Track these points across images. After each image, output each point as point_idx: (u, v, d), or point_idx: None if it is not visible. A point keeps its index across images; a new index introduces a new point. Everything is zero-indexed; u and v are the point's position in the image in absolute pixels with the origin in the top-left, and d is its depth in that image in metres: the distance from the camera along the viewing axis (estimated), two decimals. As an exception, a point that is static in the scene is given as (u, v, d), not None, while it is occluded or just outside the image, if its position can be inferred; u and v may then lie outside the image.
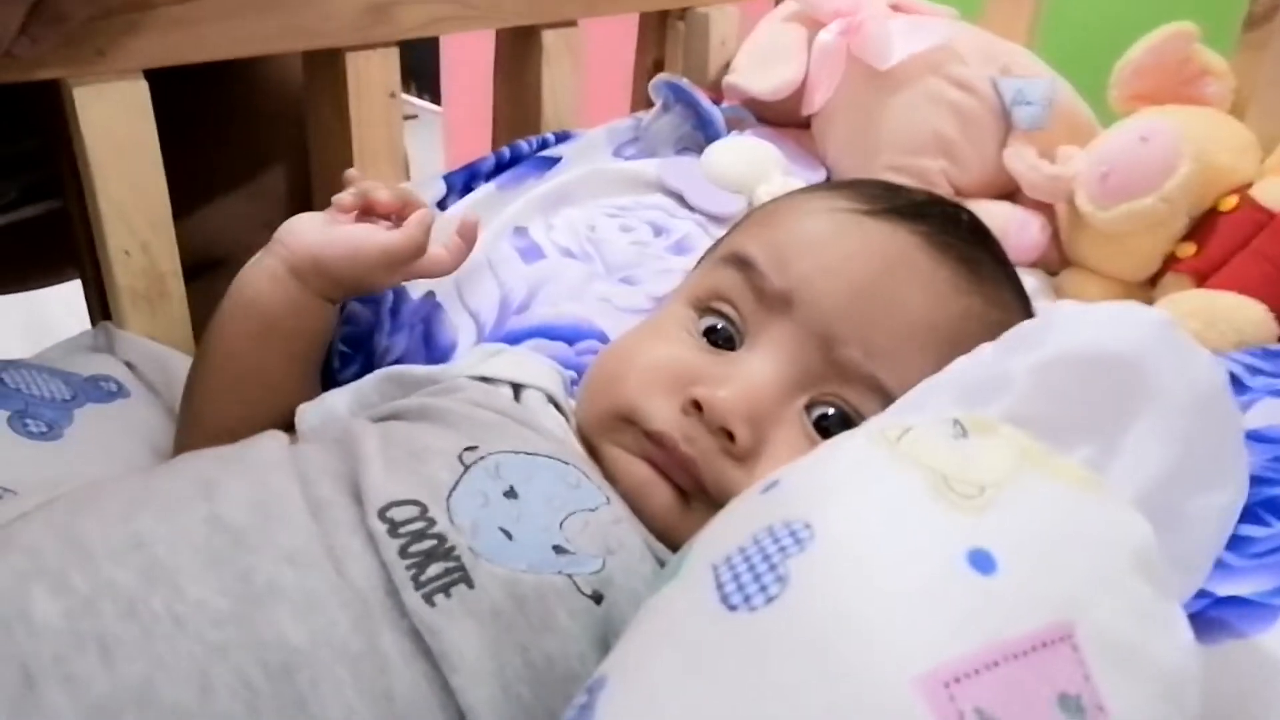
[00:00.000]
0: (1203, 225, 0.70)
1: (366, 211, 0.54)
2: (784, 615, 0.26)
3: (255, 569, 0.35)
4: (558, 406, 0.48)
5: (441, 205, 0.71)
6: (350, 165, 0.68)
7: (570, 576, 0.37)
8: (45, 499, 0.40)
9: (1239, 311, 0.64)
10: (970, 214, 0.51)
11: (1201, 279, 0.69)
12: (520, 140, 0.77)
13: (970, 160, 0.79)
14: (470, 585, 0.35)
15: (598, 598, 0.37)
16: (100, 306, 0.63)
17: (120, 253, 0.59)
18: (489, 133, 0.86)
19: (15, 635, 0.32)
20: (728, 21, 0.91)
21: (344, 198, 0.53)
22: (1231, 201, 0.69)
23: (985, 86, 0.79)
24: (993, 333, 0.44)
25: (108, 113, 0.57)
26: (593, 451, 0.45)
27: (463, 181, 0.73)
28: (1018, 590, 0.26)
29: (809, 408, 0.43)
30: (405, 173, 0.74)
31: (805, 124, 0.85)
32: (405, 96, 2.49)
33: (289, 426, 0.50)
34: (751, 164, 0.77)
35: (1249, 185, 0.69)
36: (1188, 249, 0.70)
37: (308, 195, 0.74)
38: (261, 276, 0.52)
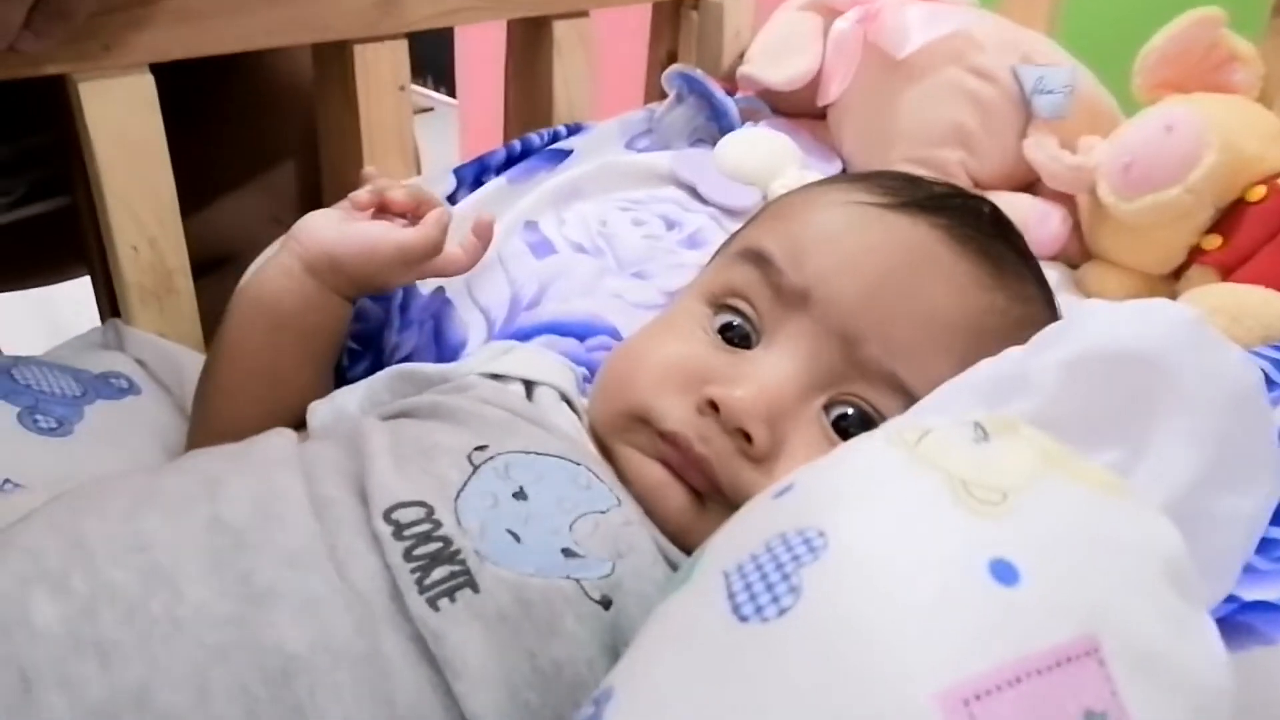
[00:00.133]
0: (1229, 216, 0.68)
1: (382, 210, 0.54)
2: (797, 627, 0.25)
3: (255, 571, 0.34)
4: (570, 404, 0.47)
5: (452, 199, 0.71)
6: (360, 159, 0.68)
7: (578, 581, 0.36)
8: (53, 495, 0.39)
9: (1267, 306, 0.63)
10: (992, 206, 0.50)
11: (1227, 272, 0.67)
12: (531, 133, 0.76)
13: (989, 151, 0.78)
14: (475, 589, 0.35)
15: (606, 603, 0.36)
16: (109, 303, 0.63)
17: (128, 249, 0.59)
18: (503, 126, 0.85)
19: (15, 639, 0.32)
20: (742, 11, 0.90)
21: (360, 195, 0.53)
22: (1260, 192, 0.67)
23: (1005, 75, 0.78)
24: (1016, 328, 0.43)
25: (114, 108, 0.56)
26: (606, 452, 0.44)
27: (473, 175, 0.73)
28: (1041, 602, 0.25)
29: (828, 408, 0.42)
30: (416, 166, 0.74)
31: (821, 115, 0.84)
32: (420, 89, 2.50)
33: (301, 425, 0.50)
34: (766, 156, 0.76)
35: (1278, 175, 0.68)
36: (1213, 241, 0.69)
37: (318, 190, 0.74)
38: (277, 273, 0.52)
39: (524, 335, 0.60)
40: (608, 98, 0.84)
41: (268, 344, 0.52)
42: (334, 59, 0.67)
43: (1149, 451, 0.29)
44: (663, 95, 0.83)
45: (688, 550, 0.38)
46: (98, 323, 0.64)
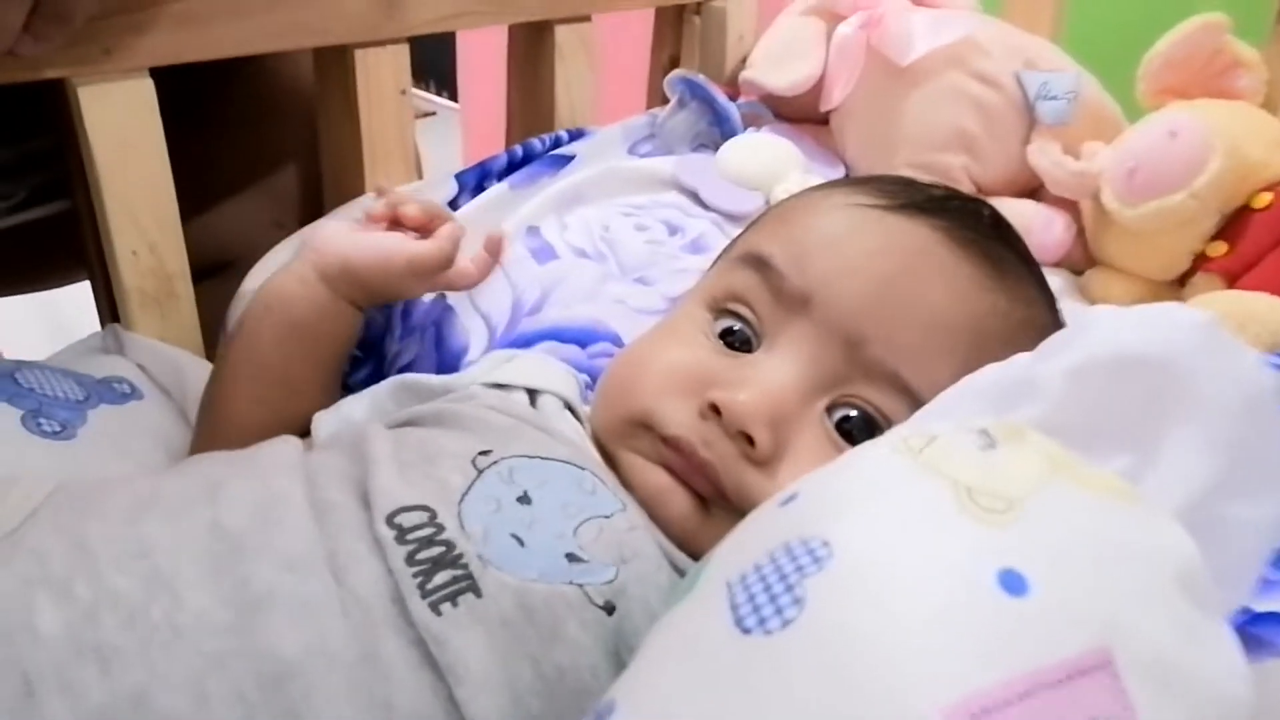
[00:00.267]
0: (1234, 223, 0.68)
1: (395, 224, 0.55)
2: (800, 640, 0.25)
3: (253, 576, 0.34)
4: (574, 412, 0.47)
5: (453, 204, 0.71)
6: (361, 164, 0.68)
7: (582, 586, 0.36)
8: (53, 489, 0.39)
9: (1273, 312, 0.63)
10: (991, 208, 0.50)
11: (1233, 279, 0.67)
12: (533, 138, 0.76)
13: (993, 156, 0.78)
14: (478, 594, 0.35)
15: (610, 608, 0.36)
16: (109, 308, 0.63)
17: (128, 253, 0.59)
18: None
19: (18, 644, 0.32)
20: (745, 16, 0.90)
21: (375, 207, 0.54)
22: (1265, 199, 0.67)
23: (1008, 81, 0.77)
24: (1018, 330, 0.43)
25: (114, 112, 0.56)
26: (609, 458, 0.44)
27: (474, 180, 0.72)
28: (1051, 613, 0.24)
29: (830, 410, 0.42)
30: (417, 171, 0.74)
31: (824, 120, 0.84)
32: (424, 94, 2.50)
33: (307, 434, 0.50)
34: (769, 161, 0.76)
35: (1283, 181, 0.67)
36: (1219, 248, 0.68)
37: (319, 195, 0.73)
38: (290, 279, 0.53)
39: (526, 341, 0.60)
40: (610, 103, 0.84)
41: (278, 349, 0.52)
42: (335, 63, 0.67)
43: (1161, 457, 0.29)
44: (665, 100, 0.82)
45: (695, 555, 0.38)
46: (99, 327, 0.64)
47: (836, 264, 0.43)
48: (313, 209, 0.73)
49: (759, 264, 0.45)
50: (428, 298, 0.63)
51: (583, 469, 0.41)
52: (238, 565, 0.35)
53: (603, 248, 0.68)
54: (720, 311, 0.46)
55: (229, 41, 0.59)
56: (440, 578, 0.35)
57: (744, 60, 0.88)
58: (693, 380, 0.43)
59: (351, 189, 0.69)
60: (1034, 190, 0.79)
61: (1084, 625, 0.24)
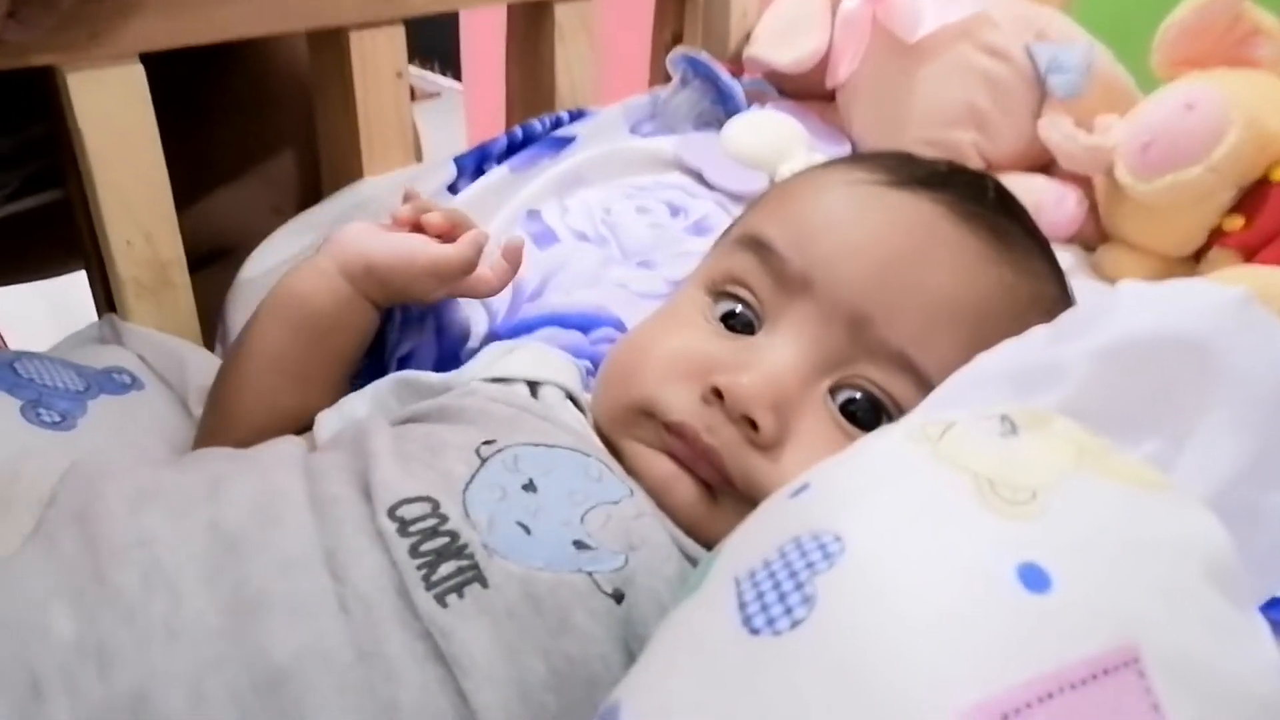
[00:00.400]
0: (1252, 196, 0.67)
1: (417, 230, 0.54)
2: (811, 641, 0.24)
3: (249, 578, 0.34)
4: (576, 402, 0.47)
5: (453, 188, 0.70)
6: (358, 148, 0.67)
7: (590, 574, 0.36)
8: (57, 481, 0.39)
9: (1293, 287, 0.61)
10: (996, 182, 0.49)
11: (1250, 254, 0.66)
12: (533, 119, 0.75)
13: (1003, 131, 0.76)
14: (484, 584, 0.34)
15: (619, 596, 0.36)
16: (105, 298, 0.62)
17: (122, 243, 0.58)
18: (510, 112, 0.84)
19: (31, 647, 0.32)
20: (748, -9, 0.89)
21: (401, 211, 0.54)
22: (1284, 171, 0.66)
23: (1019, 53, 0.76)
24: (1026, 305, 0.43)
25: (104, 99, 0.55)
26: (612, 448, 0.43)
27: (474, 163, 0.71)
28: (1075, 609, 0.23)
29: (835, 392, 0.42)
30: (416, 154, 0.73)
31: (829, 97, 0.83)
32: (428, 74, 2.48)
33: (309, 431, 0.50)
34: (774, 139, 0.75)
35: (1303, 153, 0.66)
36: (1235, 222, 0.67)
37: (317, 180, 0.73)
38: (310, 272, 0.53)
39: (527, 328, 0.59)
40: (611, 82, 0.83)
41: (292, 340, 0.52)
42: (330, 46, 0.66)
43: (1192, 442, 0.27)
44: (667, 79, 0.82)
45: (705, 543, 0.38)
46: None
47: (838, 244, 0.43)
48: (311, 195, 0.72)
49: (758, 246, 0.44)
50: (430, 285, 0.62)
51: (588, 456, 0.40)
52: (235, 567, 0.34)
53: (604, 231, 0.67)
54: (720, 295, 0.45)
55: (220, 25, 0.58)
56: (445, 569, 0.34)
57: (747, 37, 0.87)
58: (694, 365, 0.42)
59: (349, 173, 0.69)
60: (1046, 165, 0.78)
61: (1109, 621, 0.23)
